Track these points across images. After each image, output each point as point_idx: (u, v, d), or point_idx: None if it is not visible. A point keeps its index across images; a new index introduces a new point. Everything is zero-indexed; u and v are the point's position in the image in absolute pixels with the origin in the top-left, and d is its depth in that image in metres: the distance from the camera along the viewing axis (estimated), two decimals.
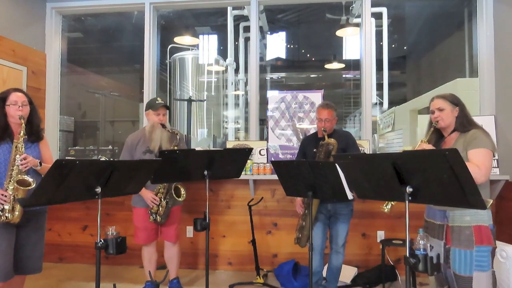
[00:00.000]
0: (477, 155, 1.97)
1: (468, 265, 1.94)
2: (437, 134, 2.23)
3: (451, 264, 1.99)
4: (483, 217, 1.96)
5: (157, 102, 3.01)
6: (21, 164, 2.22)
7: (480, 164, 1.93)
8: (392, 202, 2.11)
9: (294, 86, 8.95)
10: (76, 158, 2.10)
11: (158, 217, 2.98)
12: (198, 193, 3.56)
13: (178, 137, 2.97)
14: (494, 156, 2.10)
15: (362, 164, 1.77)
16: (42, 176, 2.29)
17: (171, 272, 3.21)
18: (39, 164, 2.30)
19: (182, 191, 3.01)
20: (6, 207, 2.19)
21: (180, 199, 2.99)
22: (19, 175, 2.23)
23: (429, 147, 2.08)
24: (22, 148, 2.27)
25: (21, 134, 2.30)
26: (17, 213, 2.21)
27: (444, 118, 2.13)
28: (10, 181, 2.22)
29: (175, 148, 2.94)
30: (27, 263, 2.37)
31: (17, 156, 2.24)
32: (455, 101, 2.15)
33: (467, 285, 1.94)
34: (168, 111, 3.09)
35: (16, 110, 2.31)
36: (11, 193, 2.20)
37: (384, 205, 2.13)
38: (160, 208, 2.97)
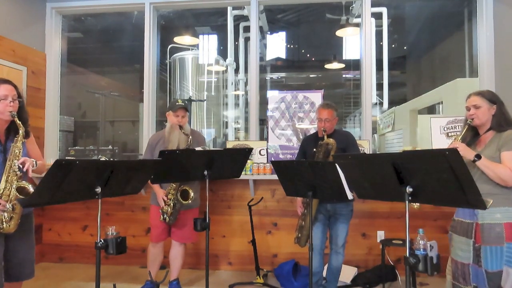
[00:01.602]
0: (510, 157, 1.94)
1: (499, 260, 1.93)
2: (472, 132, 2.17)
3: (482, 263, 1.96)
4: None
5: (177, 103, 3.05)
6: (20, 170, 2.03)
7: (511, 167, 1.91)
8: None
9: (294, 86, 8.95)
10: (76, 158, 2.03)
11: (167, 217, 3.00)
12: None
13: (190, 139, 2.98)
14: None
15: (362, 164, 1.77)
16: (36, 175, 2.19)
17: (172, 273, 3.21)
18: (35, 163, 2.10)
19: (191, 195, 2.97)
20: (5, 215, 2.00)
21: (185, 202, 2.98)
22: (18, 182, 2.04)
23: (462, 146, 2.02)
24: (20, 152, 2.06)
25: (20, 136, 2.07)
26: (13, 222, 2.03)
27: (480, 116, 2.08)
28: (5, 187, 2.02)
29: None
30: (22, 269, 2.21)
31: (15, 161, 2.03)
32: (493, 98, 2.09)
33: (497, 280, 1.92)
34: (188, 113, 3.11)
35: (7, 106, 2.04)
36: (6, 199, 2.01)
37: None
38: (169, 209, 2.99)
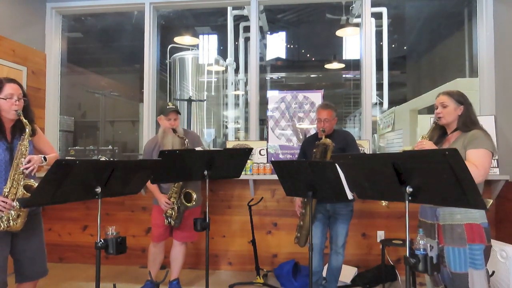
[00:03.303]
0: (476, 155, 1.96)
1: (463, 262, 1.94)
2: (440, 131, 2.22)
3: (446, 263, 1.99)
4: (474, 215, 1.96)
5: (168, 107, 3.02)
6: (26, 168, 2.05)
7: (478, 164, 1.92)
8: None
9: (294, 86, 8.95)
10: (76, 158, 2.01)
11: (172, 220, 3.00)
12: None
13: (186, 142, 2.97)
14: (493, 157, 2.07)
15: (362, 164, 1.77)
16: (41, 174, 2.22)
17: (172, 273, 3.21)
18: (43, 159, 2.14)
19: (193, 197, 2.97)
20: (12, 213, 2.02)
21: (189, 204, 2.98)
22: (24, 180, 2.06)
23: (429, 144, 2.07)
24: (26, 150, 2.10)
25: (26, 134, 2.10)
26: (20, 220, 2.05)
27: (446, 115, 2.12)
28: (12, 186, 2.04)
29: None
30: (34, 268, 2.21)
31: (22, 159, 2.06)
32: (460, 99, 2.13)
33: (464, 281, 1.94)
34: (179, 115, 3.09)
35: (12, 105, 2.07)
36: (13, 197, 2.03)
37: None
38: (174, 213, 2.99)
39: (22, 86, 2.19)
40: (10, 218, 2.03)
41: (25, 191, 2.05)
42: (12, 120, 2.13)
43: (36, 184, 2.05)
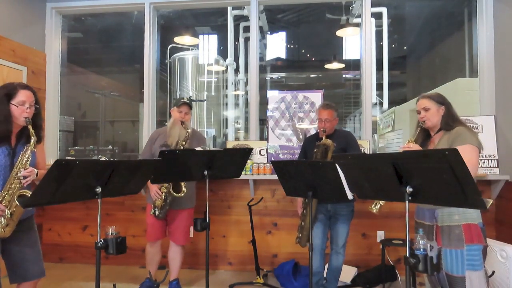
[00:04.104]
0: (462, 152, 1.94)
1: (460, 265, 1.93)
2: (424, 134, 2.24)
3: (443, 265, 1.98)
4: (472, 215, 1.96)
5: (181, 100, 3.12)
6: (24, 177, 2.02)
7: (465, 162, 1.92)
8: (380, 202, 2.13)
9: (294, 86, 8.95)
10: (76, 158, 2.00)
11: (157, 210, 3.01)
12: (198, 193, 3.56)
13: (189, 132, 3.01)
14: (480, 153, 2.07)
15: (362, 164, 1.77)
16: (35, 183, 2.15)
17: (171, 273, 3.21)
18: (36, 174, 2.10)
19: (183, 188, 2.98)
20: (3, 220, 2.00)
21: (177, 195, 2.98)
22: (20, 190, 2.03)
23: (416, 147, 2.09)
24: (28, 161, 2.05)
25: (31, 146, 2.06)
26: (9, 228, 2.04)
27: (430, 117, 2.15)
28: (7, 193, 2.02)
29: (183, 144, 2.99)
30: (28, 269, 2.18)
31: (22, 169, 2.03)
32: (440, 100, 2.16)
33: (461, 285, 1.93)
34: (191, 110, 3.17)
35: (23, 112, 2.06)
36: (6, 204, 2.01)
37: (373, 205, 2.15)
38: (160, 202, 3.01)
39: (36, 93, 2.17)
40: (0, 225, 2.01)
41: (18, 203, 2.02)
42: (20, 126, 2.12)
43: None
